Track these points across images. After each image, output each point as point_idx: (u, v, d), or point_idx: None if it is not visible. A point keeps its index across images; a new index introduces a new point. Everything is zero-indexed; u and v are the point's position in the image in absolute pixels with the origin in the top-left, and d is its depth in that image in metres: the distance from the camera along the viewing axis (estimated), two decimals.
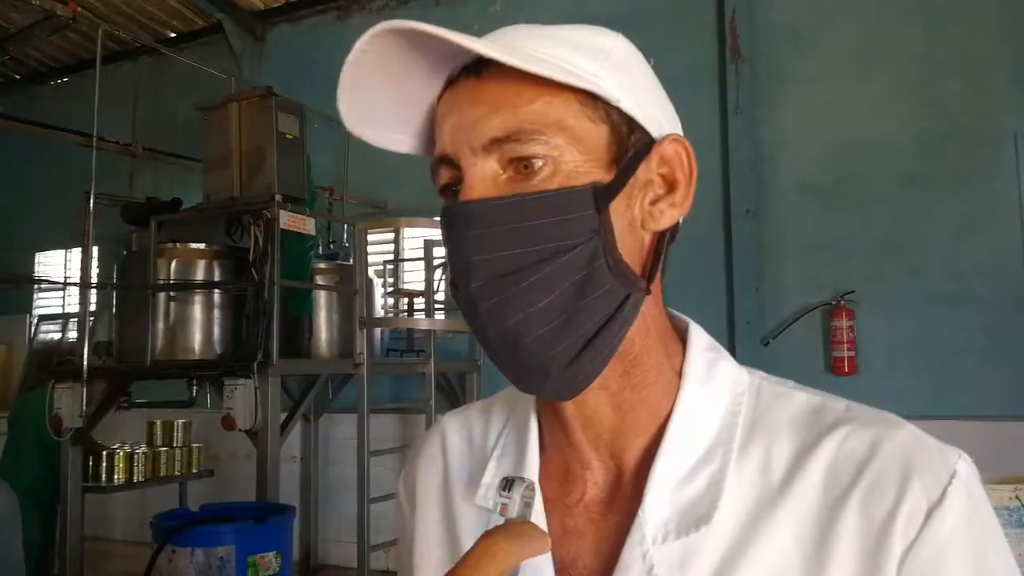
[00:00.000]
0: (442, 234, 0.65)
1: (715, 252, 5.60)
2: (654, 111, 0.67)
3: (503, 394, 0.82)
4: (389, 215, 6.61)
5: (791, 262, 5.46)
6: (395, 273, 6.64)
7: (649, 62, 0.70)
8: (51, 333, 8.30)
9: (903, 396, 5.06)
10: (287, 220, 4.52)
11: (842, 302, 5.23)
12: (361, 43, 0.62)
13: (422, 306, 5.69)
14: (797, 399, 0.68)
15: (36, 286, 8.62)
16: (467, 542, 0.73)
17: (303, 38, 7.35)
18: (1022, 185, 4.95)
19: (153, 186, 6.06)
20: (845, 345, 5.19)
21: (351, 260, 5.62)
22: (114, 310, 5.38)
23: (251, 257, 4.52)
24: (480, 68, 0.63)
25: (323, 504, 6.57)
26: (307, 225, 4.71)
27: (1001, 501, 2.93)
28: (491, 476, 0.75)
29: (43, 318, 8.46)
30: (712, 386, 0.69)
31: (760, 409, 0.68)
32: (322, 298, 5.36)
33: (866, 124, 5.32)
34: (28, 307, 8.67)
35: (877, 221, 5.27)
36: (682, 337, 0.73)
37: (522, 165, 0.61)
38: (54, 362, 5.49)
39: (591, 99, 0.63)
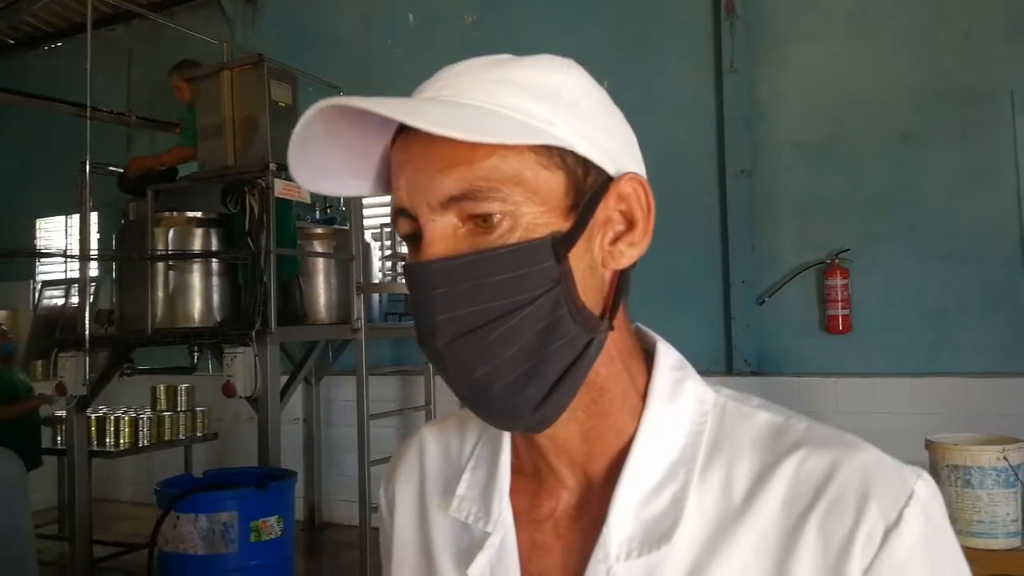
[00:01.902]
0: (408, 290, 0.65)
1: (710, 212, 5.60)
2: (610, 145, 0.67)
3: None
4: None
5: (786, 221, 5.46)
6: (392, 236, 6.66)
7: (603, 85, 0.70)
8: (55, 299, 8.36)
9: (897, 353, 5.11)
10: (282, 188, 4.54)
11: (836, 260, 5.24)
12: (306, 118, 0.62)
13: None
14: (760, 419, 0.69)
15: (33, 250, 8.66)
16: (441, 552, 0.76)
17: (296, 0, 7.27)
18: (1018, 141, 4.92)
19: (150, 152, 6.05)
20: (840, 303, 5.21)
21: (347, 225, 5.64)
22: (114, 278, 5.43)
23: (246, 226, 4.54)
24: None
25: (326, 464, 6.68)
26: (302, 193, 4.72)
27: (989, 462, 2.99)
28: (465, 488, 0.76)
29: (46, 284, 8.52)
30: (676, 405, 0.70)
31: (724, 428, 0.69)
32: (320, 264, 5.39)
33: (861, 81, 5.27)
34: (32, 273, 8.73)
35: (872, 179, 5.25)
36: (650, 354, 0.74)
37: (480, 220, 0.62)
38: (57, 329, 5.56)
39: (545, 148, 0.63)
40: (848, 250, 5.23)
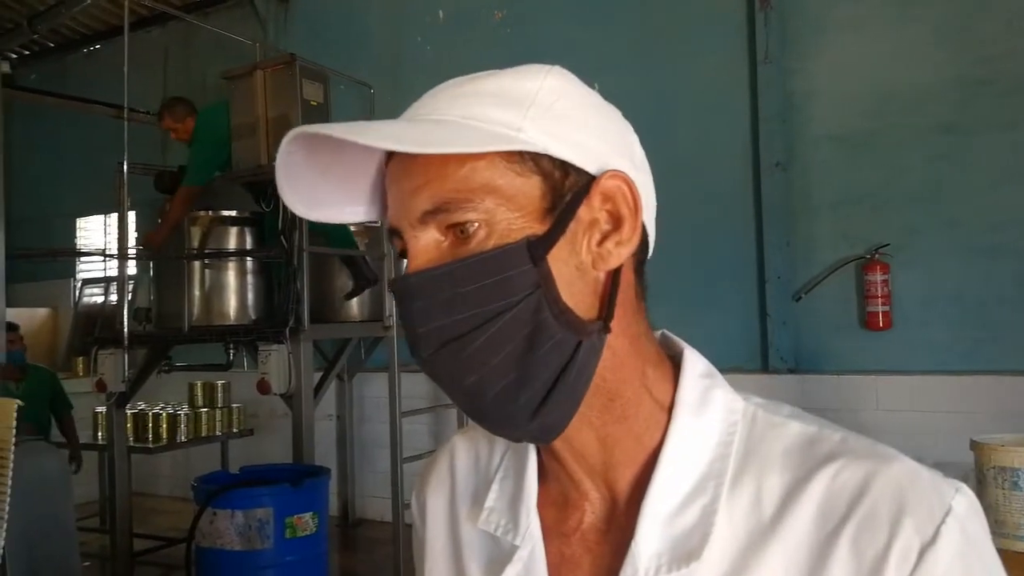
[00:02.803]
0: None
1: (744, 206, 5.52)
2: (592, 144, 0.65)
3: None
4: None
5: (823, 215, 5.37)
6: None
7: (593, 87, 0.69)
8: (95, 296, 8.51)
9: (938, 351, 5.00)
10: None
11: (876, 255, 5.15)
12: (282, 148, 0.63)
13: None
14: (791, 429, 0.68)
15: (70, 248, 8.82)
16: (470, 562, 0.76)
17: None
18: None
19: (186, 152, 6.13)
20: (880, 300, 5.11)
21: (379, 223, 5.65)
22: (151, 276, 5.51)
23: (280, 225, 4.58)
24: None
25: (359, 460, 6.72)
26: None
27: None
28: (493, 499, 0.76)
29: (87, 282, 8.67)
30: (705, 415, 0.69)
31: (753, 439, 0.68)
32: None
33: (900, 71, 5.17)
34: (72, 271, 8.89)
35: (912, 172, 5.14)
36: (677, 363, 0.72)
37: (459, 230, 0.62)
38: (97, 327, 5.64)
39: (517, 154, 0.63)
40: (888, 245, 5.13)
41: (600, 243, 0.66)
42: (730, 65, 5.60)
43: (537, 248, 0.62)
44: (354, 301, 5.45)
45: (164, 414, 5.75)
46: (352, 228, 5.69)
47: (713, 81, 5.67)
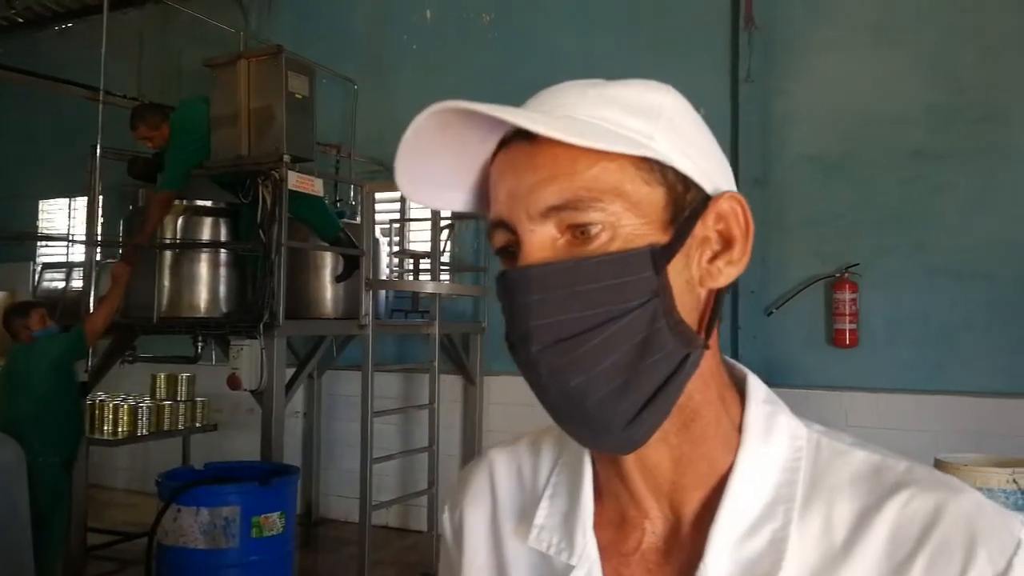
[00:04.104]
0: (500, 298, 0.65)
1: None
2: (706, 165, 0.67)
3: (551, 430, 0.80)
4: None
5: (797, 233, 5.45)
6: (401, 233, 6.63)
7: (699, 112, 0.70)
8: (55, 282, 8.30)
9: (903, 370, 5.11)
10: (295, 181, 4.50)
11: (846, 274, 5.24)
12: (418, 121, 0.63)
13: (427, 266, 5.70)
14: (857, 457, 0.68)
15: (39, 233, 8.60)
16: None
17: None
18: None
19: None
20: (848, 317, 5.21)
21: (357, 219, 5.60)
22: None
23: (258, 218, 4.51)
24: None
25: (325, 459, 6.66)
26: (316, 186, 4.69)
27: (999, 484, 2.98)
28: (544, 517, 0.75)
29: (47, 266, 8.46)
30: (772, 441, 0.69)
31: (819, 466, 0.68)
32: (327, 258, 5.36)
33: (878, 95, 5.27)
34: (32, 255, 8.67)
35: (884, 194, 5.25)
36: (739, 388, 0.73)
37: (579, 231, 0.62)
38: (58, 313, 5.50)
39: (646, 162, 0.63)
40: (858, 264, 5.22)
41: (711, 261, 0.67)
42: (712, 81, 5.66)
43: (660, 257, 0.63)
44: (328, 298, 5.38)
45: (125, 406, 5.61)
46: None
47: (696, 97, 5.64)
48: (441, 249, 5.32)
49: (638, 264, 0.62)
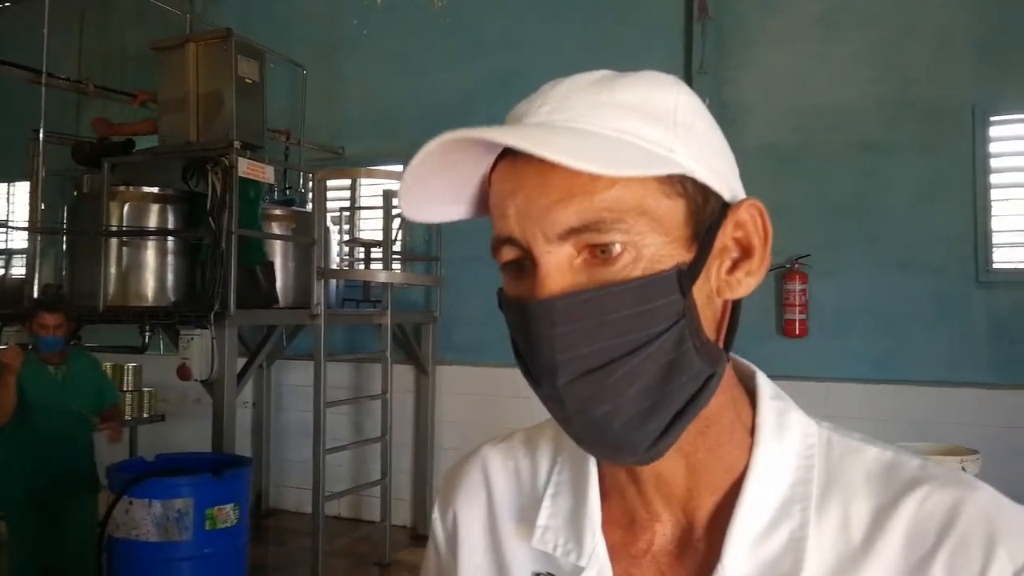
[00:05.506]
0: (515, 326, 0.62)
1: None
2: (723, 169, 0.64)
3: (546, 426, 0.79)
4: (346, 162, 6.49)
5: None
6: (352, 221, 6.55)
7: (704, 102, 0.67)
8: None
9: (852, 360, 5.21)
10: (246, 168, 4.41)
11: (796, 266, 5.32)
12: (427, 150, 0.59)
13: (379, 255, 5.64)
14: (870, 454, 0.68)
15: None
16: None
17: None
18: (976, 157, 5.05)
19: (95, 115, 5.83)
20: (797, 308, 5.30)
21: (307, 206, 5.53)
22: (64, 251, 5.24)
23: (208, 205, 4.41)
24: None
25: (275, 449, 6.57)
26: (266, 173, 4.61)
27: None
28: (547, 518, 0.73)
29: None
30: (785, 439, 0.69)
31: (832, 463, 0.68)
32: (278, 246, 5.28)
33: (827, 88, 5.35)
34: None
35: (835, 187, 5.34)
36: (746, 384, 0.72)
37: (599, 250, 0.59)
38: None
39: (667, 176, 0.60)
40: (808, 256, 5.31)
41: (730, 272, 0.65)
42: (667, 71, 5.64)
43: (686, 278, 0.60)
44: (278, 286, 5.29)
45: None
46: (277, 213, 5.54)
47: None
48: (393, 238, 5.27)
49: (665, 288, 0.59)
